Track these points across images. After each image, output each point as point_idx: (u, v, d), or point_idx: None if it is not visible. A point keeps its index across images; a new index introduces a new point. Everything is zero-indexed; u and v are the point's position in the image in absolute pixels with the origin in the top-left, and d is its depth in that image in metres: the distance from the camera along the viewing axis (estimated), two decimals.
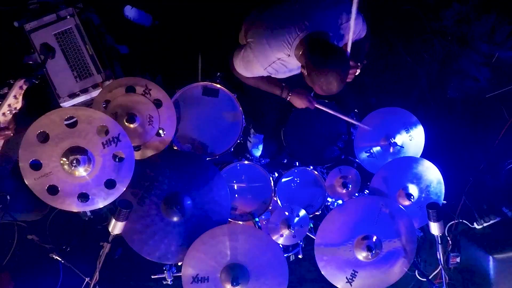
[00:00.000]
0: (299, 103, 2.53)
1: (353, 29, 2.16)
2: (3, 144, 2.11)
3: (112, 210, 2.38)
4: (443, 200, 2.64)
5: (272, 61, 2.21)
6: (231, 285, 2.19)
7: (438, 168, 2.58)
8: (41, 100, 2.81)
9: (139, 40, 3.21)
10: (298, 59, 2.17)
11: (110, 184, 2.21)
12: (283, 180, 2.84)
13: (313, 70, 2.06)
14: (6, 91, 1.98)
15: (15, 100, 1.98)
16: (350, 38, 2.18)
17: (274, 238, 2.57)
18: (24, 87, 1.98)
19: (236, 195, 2.80)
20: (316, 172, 2.86)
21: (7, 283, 2.93)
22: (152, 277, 2.65)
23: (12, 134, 2.07)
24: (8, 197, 2.38)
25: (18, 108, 2.01)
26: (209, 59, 3.16)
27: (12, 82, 1.96)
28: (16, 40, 2.81)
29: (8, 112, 1.98)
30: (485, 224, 3.26)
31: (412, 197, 2.53)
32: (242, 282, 2.23)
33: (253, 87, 2.51)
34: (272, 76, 2.40)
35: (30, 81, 2.00)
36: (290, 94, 2.51)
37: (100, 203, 2.21)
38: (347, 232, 2.37)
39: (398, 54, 3.50)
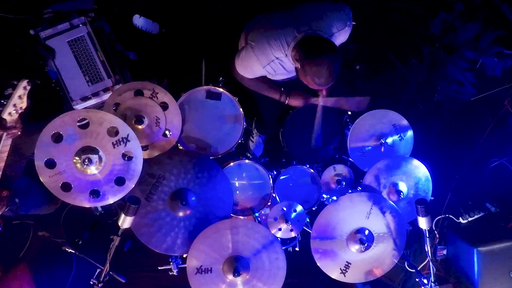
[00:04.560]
0: (297, 103, 2.55)
1: (342, 41, 2.29)
2: (12, 143, 2.09)
3: (121, 206, 2.38)
4: (431, 196, 2.64)
5: (271, 59, 2.21)
6: (233, 276, 2.20)
7: (426, 166, 2.57)
8: (54, 102, 2.81)
9: (147, 47, 3.20)
10: (293, 58, 2.17)
11: (119, 182, 2.22)
12: (281, 177, 2.84)
13: (305, 60, 2.06)
14: (10, 91, 1.96)
15: (20, 100, 1.96)
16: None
17: (273, 232, 2.56)
18: (28, 87, 1.96)
19: (238, 192, 2.80)
20: (312, 170, 2.85)
21: (24, 274, 2.93)
22: (159, 268, 2.64)
23: (19, 133, 2.06)
24: (17, 200, 2.38)
25: (23, 107, 1.99)
26: (212, 65, 3.15)
27: (15, 83, 1.95)
28: (31, 47, 2.81)
29: (14, 111, 1.97)
30: (470, 219, 3.26)
31: (401, 193, 2.52)
32: (243, 273, 2.23)
33: (254, 91, 2.51)
34: (270, 77, 2.40)
35: (33, 81, 1.99)
36: (288, 98, 2.52)
37: (111, 199, 2.21)
38: (341, 226, 2.37)
39: (389, 60, 3.49)
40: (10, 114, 1.96)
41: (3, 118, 1.95)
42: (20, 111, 1.99)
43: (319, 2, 2.27)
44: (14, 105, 1.95)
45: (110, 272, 2.35)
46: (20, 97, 1.95)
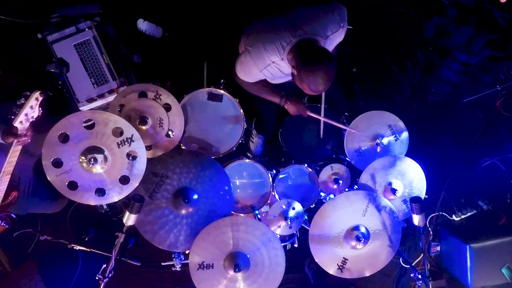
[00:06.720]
0: (294, 110, 2.54)
1: (339, 41, 2.28)
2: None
3: (126, 204, 2.38)
4: (425, 194, 2.64)
5: (267, 64, 2.20)
6: (234, 272, 2.20)
7: (420, 165, 2.57)
8: (61, 104, 2.81)
9: (151, 50, 3.21)
10: (289, 62, 2.17)
11: (124, 180, 2.22)
12: (281, 176, 2.84)
13: (301, 69, 2.06)
14: (23, 101, 1.96)
15: (31, 110, 1.97)
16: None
17: (272, 229, 2.56)
18: (40, 98, 1.97)
19: (238, 190, 2.80)
20: (310, 169, 2.85)
21: (32, 270, 2.93)
22: (162, 264, 2.65)
23: (29, 141, 2.07)
24: (14, 216, 2.38)
25: (34, 117, 2.00)
26: (214, 67, 3.16)
27: (28, 94, 1.95)
28: (39, 50, 2.82)
29: (25, 120, 1.98)
30: (462, 216, 3.27)
31: (396, 192, 2.52)
32: (244, 269, 2.23)
33: (255, 95, 2.51)
34: (269, 80, 2.39)
35: (46, 93, 1.99)
36: (287, 102, 2.51)
37: (115, 197, 2.21)
38: (338, 224, 2.37)
39: (384, 63, 3.50)
40: (21, 122, 1.97)
41: (14, 126, 1.95)
42: (31, 120, 2.00)
43: (313, 5, 2.26)
44: (26, 115, 1.96)
45: (123, 258, 2.34)
46: (32, 107, 1.96)
